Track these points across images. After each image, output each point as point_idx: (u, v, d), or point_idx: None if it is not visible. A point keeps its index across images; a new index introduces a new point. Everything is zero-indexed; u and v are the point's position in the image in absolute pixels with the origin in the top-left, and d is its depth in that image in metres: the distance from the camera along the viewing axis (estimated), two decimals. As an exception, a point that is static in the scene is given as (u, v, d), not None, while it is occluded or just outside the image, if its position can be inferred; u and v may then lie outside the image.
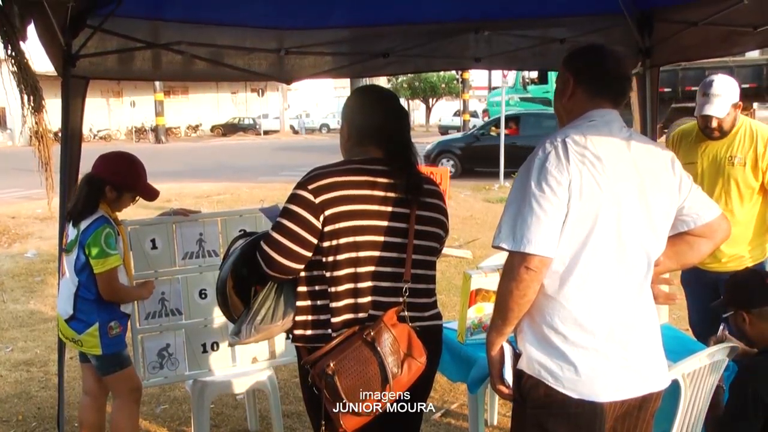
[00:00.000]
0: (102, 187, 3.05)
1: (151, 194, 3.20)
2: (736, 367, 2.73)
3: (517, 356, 2.01)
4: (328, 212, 2.12)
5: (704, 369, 2.56)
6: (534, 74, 19.63)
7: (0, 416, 4.29)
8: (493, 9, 3.89)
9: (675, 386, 2.50)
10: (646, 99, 4.09)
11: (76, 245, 3.00)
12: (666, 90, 16.68)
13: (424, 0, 3.69)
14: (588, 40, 3.99)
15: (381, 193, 2.18)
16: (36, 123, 2.86)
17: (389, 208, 2.18)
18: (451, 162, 16.80)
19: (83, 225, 2.99)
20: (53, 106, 3.00)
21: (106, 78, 3.77)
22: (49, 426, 4.10)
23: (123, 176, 3.10)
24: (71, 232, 3.04)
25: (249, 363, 3.63)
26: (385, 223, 2.17)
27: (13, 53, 2.58)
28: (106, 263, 2.96)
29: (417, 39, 4.09)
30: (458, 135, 19.53)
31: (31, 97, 2.72)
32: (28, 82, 2.66)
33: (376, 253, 2.16)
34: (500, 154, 14.87)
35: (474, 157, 16.89)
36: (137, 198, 3.20)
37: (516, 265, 1.84)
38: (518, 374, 1.97)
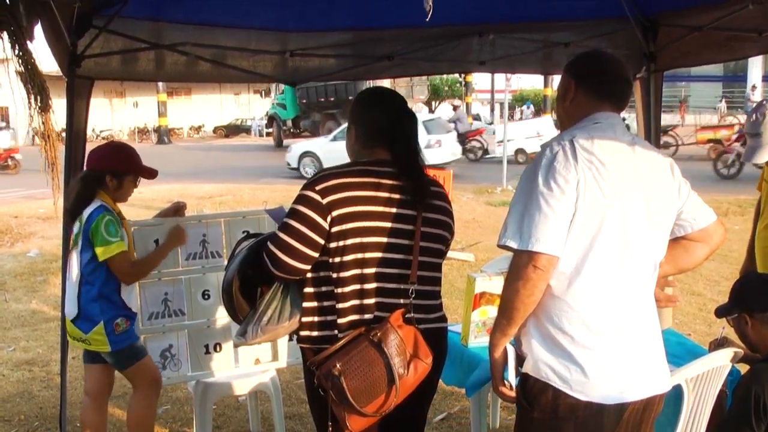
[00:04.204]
0: (100, 180, 3.08)
1: (151, 173, 3.22)
2: (739, 372, 2.72)
3: (520, 359, 1.99)
4: (335, 213, 2.12)
5: (708, 374, 2.55)
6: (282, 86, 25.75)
7: (2, 416, 4.29)
8: (497, 13, 3.89)
9: (678, 391, 2.50)
10: (650, 103, 4.09)
11: (81, 236, 3.04)
12: (303, 101, 26.74)
13: (428, 3, 3.69)
14: (592, 44, 3.99)
15: (388, 195, 2.18)
16: (42, 123, 2.86)
17: (396, 210, 2.18)
18: None
19: (85, 215, 3.03)
20: (57, 107, 3.00)
21: (111, 79, 3.77)
22: (51, 426, 4.10)
23: (119, 162, 3.12)
24: (75, 226, 3.08)
25: (251, 364, 3.63)
26: (391, 225, 2.17)
27: (20, 53, 2.58)
28: (108, 250, 2.98)
29: (421, 42, 4.08)
30: None
31: (38, 97, 2.73)
32: (35, 81, 2.67)
33: (383, 255, 2.16)
34: (503, 160, 14.99)
35: None
36: (138, 181, 3.20)
37: (523, 264, 1.82)
38: (524, 378, 1.95)
